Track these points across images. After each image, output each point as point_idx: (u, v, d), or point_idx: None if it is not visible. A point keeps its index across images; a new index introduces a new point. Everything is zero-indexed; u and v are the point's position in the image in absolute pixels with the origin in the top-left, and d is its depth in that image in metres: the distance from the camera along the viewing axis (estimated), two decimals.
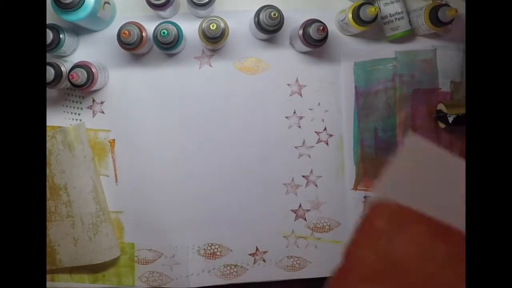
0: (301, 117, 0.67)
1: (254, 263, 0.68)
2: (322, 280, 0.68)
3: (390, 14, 0.64)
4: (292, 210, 0.68)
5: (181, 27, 0.60)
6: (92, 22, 0.61)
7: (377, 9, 0.58)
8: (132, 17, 0.62)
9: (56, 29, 0.59)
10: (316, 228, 0.68)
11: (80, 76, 0.58)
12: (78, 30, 0.64)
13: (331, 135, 0.68)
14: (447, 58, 0.68)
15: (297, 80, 0.67)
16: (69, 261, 0.64)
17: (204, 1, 0.58)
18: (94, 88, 0.62)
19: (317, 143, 0.68)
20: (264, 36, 0.63)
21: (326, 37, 0.60)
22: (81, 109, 0.66)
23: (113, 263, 0.67)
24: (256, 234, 0.68)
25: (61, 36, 0.60)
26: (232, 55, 0.66)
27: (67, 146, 0.63)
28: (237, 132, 0.67)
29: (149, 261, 0.67)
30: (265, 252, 0.68)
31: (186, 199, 0.67)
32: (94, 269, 0.67)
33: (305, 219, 0.68)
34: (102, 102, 0.66)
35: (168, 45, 0.60)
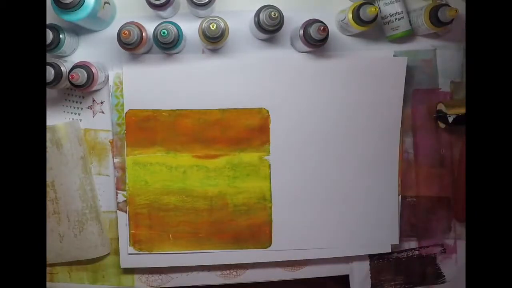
0: None
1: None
2: (322, 280, 0.69)
3: (390, 14, 0.64)
4: None
5: (181, 27, 0.60)
6: (92, 22, 0.61)
7: (377, 9, 0.58)
8: (132, 17, 0.61)
9: (56, 29, 0.59)
10: None
11: (80, 76, 0.58)
12: (78, 30, 0.64)
13: None
14: (447, 58, 0.68)
15: None
16: (53, 257, 0.65)
17: (204, 1, 0.58)
18: (94, 88, 0.62)
19: None
20: (264, 36, 0.63)
21: (326, 37, 0.60)
22: (81, 109, 0.66)
23: (112, 263, 0.67)
24: None
25: (61, 36, 0.60)
26: (232, 55, 0.66)
27: (55, 143, 0.64)
28: None
29: None
30: None
31: None
32: (94, 269, 0.67)
33: None
34: (102, 102, 0.66)
35: (168, 45, 0.60)
